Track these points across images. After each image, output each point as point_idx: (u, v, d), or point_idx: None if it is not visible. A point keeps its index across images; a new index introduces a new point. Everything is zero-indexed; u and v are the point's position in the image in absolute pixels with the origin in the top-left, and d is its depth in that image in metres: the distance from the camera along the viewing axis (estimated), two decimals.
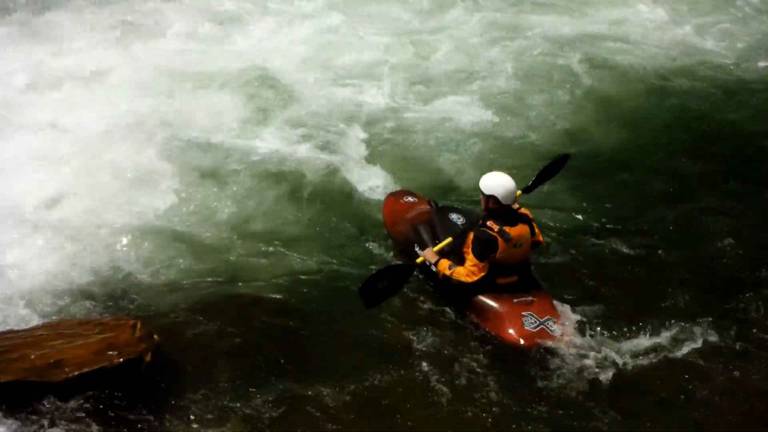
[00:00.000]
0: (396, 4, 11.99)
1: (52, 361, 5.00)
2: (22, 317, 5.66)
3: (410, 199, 7.16)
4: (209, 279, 6.39)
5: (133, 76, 9.39)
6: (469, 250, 6.01)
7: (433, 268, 6.11)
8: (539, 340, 5.82)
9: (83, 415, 4.85)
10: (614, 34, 11.26)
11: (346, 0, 11.89)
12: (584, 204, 7.66)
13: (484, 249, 5.94)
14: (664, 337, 5.81)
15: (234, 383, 5.34)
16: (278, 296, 6.26)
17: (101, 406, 4.93)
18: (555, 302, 6.10)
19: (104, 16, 11.00)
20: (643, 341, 5.79)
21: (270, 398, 5.24)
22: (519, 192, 6.34)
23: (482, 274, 5.96)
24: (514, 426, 5.19)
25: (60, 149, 7.84)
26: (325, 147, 8.26)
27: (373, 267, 6.38)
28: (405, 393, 5.39)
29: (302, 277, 6.50)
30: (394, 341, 5.84)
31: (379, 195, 7.55)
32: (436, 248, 6.20)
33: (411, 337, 5.85)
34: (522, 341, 5.84)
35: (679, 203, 7.65)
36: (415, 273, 6.15)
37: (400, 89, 9.67)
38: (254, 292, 6.30)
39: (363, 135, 8.63)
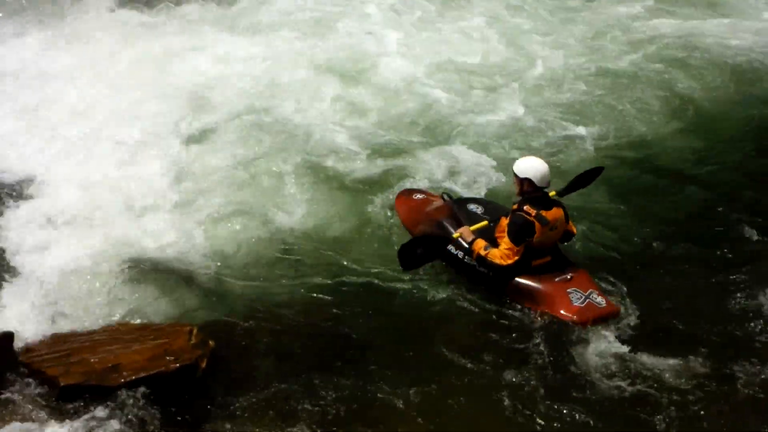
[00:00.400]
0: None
1: (110, 365, 5.11)
2: (82, 321, 5.76)
3: (420, 196, 7.30)
4: (264, 285, 6.42)
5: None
6: (505, 234, 6.17)
7: (467, 246, 6.27)
8: (590, 315, 6.00)
9: (139, 419, 4.93)
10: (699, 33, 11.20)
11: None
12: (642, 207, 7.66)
13: (521, 233, 6.10)
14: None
15: (288, 389, 5.37)
16: (333, 300, 6.27)
17: (157, 411, 5.00)
18: (591, 277, 6.31)
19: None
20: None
21: (325, 402, 5.27)
22: (553, 192, 6.52)
23: (516, 257, 6.11)
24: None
25: (119, 151, 7.99)
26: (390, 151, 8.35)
27: None
28: (459, 385, 5.48)
29: (357, 279, 6.51)
30: (444, 336, 5.94)
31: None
32: (473, 227, 6.37)
33: (458, 329, 6.01)
34: (575, 317, 6.00)
35: (742, 220, 7.37)
36: (449, 249, 6.38)
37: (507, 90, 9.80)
38: (309, 297, 6.32)
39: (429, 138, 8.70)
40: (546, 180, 6.23)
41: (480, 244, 6.22)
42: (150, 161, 7.83)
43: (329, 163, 8.05)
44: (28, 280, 6.18)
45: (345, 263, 6.70)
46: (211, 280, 6.38)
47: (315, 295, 6.34)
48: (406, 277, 6.44)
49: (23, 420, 4.79)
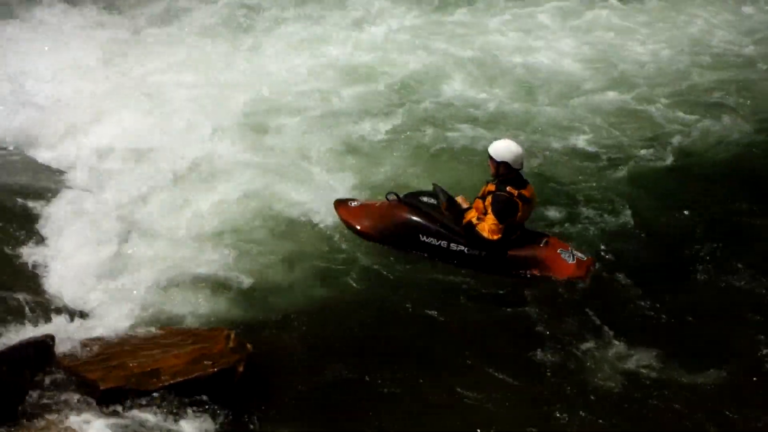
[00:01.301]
0: None
1: (149, 369, 5.13)
2: (121, 325, 5.78)
3: (355, 203, 7.21)
4: (302, 289, 6.45)
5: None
6: (490, 211, 6.52)
7: (459, 210, 6.65)
8: (583, 268, 6.54)
9: (177, 423, 4.93)
10: None
11: None
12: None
13: (506, 211, 6.48)
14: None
15: (325, 394, 5.38)
16: (370, 305, 6.29)
17: (195, 415, 5.01)
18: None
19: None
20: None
21: (363, 407, 5.27)
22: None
23: (501, 234, 6.48)
24: None
25: (166, 156, 8.07)
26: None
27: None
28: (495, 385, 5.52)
29: (394, 284, 6.52)
30: (485, 340, 6.02)
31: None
32: (460, 201, 6.72)
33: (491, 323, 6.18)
34: (575, 273, 6.51)
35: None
36: (431, 242, 6.70)
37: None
38: (347, 300, 6.34)
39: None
40: (520, 162, 6.57)
41: (473, 213, 6.62)
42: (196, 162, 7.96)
43: (379, 171, 8.10)
44: (69, 284, 6.23)
45: (384, 265, 6.70)
46: (248, 285, 6.39)
47: (353, 299, 6.36)
48: (440, 276, 6.59)
49: (63, 423, 4.81)
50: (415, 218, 6.81)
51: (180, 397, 5.05)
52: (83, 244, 6.61)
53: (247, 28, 11.62)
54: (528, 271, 6.57)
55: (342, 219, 7.11)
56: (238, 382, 5.24)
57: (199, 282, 6.30)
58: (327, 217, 7.21)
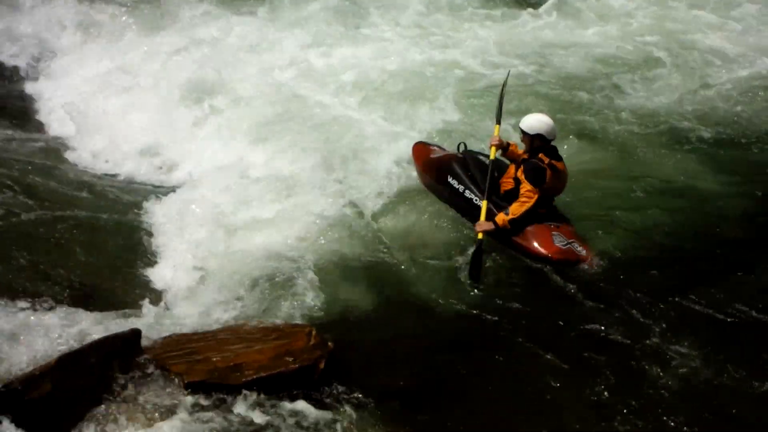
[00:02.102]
0: None
1: (232, 364, 5.18)
2: (206, 320, 5.88)
3: (435, 148, 7.84)
4: (382, 287, 6.44)
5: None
6: (511, 180, 6.83)
7: (495, 230, 6.69)
8: (568, 257, 6.53)
9: (259, 417, 4.96)
10: None
11: None
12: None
13: (538, 176, 6.60)
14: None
15: (405, 393, 5.34)
16: (451, 304, 6.25)
17: (276, 411, 5.02)
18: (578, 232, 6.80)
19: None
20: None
21: (443, 406, 5.22)
22: (497, 126, 7.16)
23: (536, 197, 6.60)
24: None
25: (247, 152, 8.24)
26: None
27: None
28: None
29: (478, 292, 6.45)
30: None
31: None
32: (482, 216, 6.77)
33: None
34: (551, 255, 6.54)
35: None
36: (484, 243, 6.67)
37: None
38: (427, 299, 6.32)
39: None
40: (554, 134, 6.77)
41: (502, 217, 6.67)
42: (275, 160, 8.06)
43: None
44: (155, 280, 6.39)
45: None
46: (330, 282, 6.40)
47: (435, 298, 6.32)
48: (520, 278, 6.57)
49: (149, 414, 4.90)
50: (453, 163, 7.30)
51: (262, 392, 5.08)
52: (170, 243, 6.75)
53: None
54: (515, 241, 6.70)
55: (413, 155, 7.77)
56: (319, 379, 5.25)
57: (281, 278, 6.33)
58: (411, 216, 7.25)
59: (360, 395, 5.23)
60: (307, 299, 6.14)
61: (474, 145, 7.81)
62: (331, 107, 9.15)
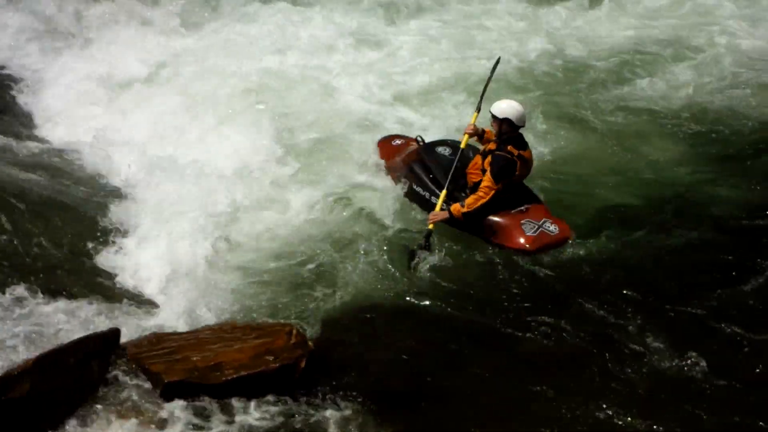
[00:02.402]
0: None
1: (212, 363, 5.16)
2: (186, 319, 5.88)
3: (398, 141, 7.92)
4: (362, 285, 6.41)
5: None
6: (479, 171, 6.88)
7: (449, 219, 6.77)
8: (545, 243, 6.68)
9: (239, 417, 4.96)
10: None
11: None
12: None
13: (504, 171, 6.71)
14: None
15: (385, 393, 5.34)
16: (433, 304, 6.24)
17: (256, 410, 5.03)
18: (547, 207, 6.98)
19: None
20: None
21: (423, 406, 5.24)
22: (476, 114, 7.18)
23: (493, 192, 6.69)
24: None
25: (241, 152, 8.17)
26: None
27: None
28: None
29: (459, 283, 6.47)
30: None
31: None
32: (438, 207, 6.87)
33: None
34: (528, 246, 6.66)
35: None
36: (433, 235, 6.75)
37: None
38: (409, 301, 6.30)
39: None
40: (523, 120, 6.84)
41: (457, 208, 6.74)
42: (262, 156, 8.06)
43: None
44: (135, 279, 6.36)
45: (450, 264, 6.65)
46: (310, 281, 6.42)
47: (416, 298, 6.31)
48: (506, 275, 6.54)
49: (127, 414, 4.89)
50: (416, 168, 7.33)
51: (242, 391, 5.07)
52: (149, 241, 6.71)
53: None
54: (485, 235, 6.80)
55: (380, 156, 7.78)
56: (299, 378, 5.25)
57: (261, 278, 6.36)
58: (393, 215, 7.26)
59: (340, 394, 5.23)
60: (287, 299, 6.14)
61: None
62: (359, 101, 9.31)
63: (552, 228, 6.78)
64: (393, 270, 6.59)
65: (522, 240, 6.68)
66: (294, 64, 10.11)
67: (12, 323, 5.41)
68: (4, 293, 5.71)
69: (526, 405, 5.31)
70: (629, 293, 6.28)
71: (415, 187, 7.27)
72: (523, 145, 6.87)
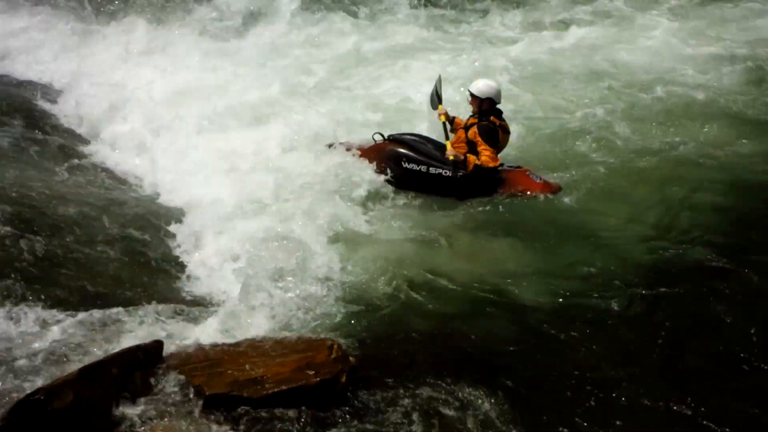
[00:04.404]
0: None
1: (253, 376, 5.15)
2: (228, 333, 5.87)
3: (355, 145, 8.12)
4: (407, 302, 6.38)
5: None
6: (463, 144, 7.60)
7: (462, 160, 7.49)
8: (552, 188, 7.48)
9: (280, 431, 4.93)
10: None
11: None
12: None
13: (491, 135, 7.54)
14: None
15: (425, 409, 5.24)
16: (479, 322, 6.16)
17: (296, 424, 4.99)
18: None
19: None
20: None
21: (467, 423, 5.14)
22: (440, 106, 7.88)
23: (496, 157, 7.53)
24: None
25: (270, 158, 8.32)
26: None
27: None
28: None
29: (499, 297, 6.42)
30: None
31: None
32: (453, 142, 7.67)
33: None
34: (544, 189, 7.45)
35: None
36: (434, 171, 7.59)
37: None
38: (452, 316, 6.23)
39: None
40: (500, 97, 7.73)
41: (473, 158, 7.49)
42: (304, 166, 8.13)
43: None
44: (177, 291, 6.41)
45: (501, 288, 6.58)
46: (353, 296, 6.38)
47: (458, 310, 6.27)
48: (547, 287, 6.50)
49: (168, 427, 4.89)
50: (399, 148, 7.78)
51: (282, 405, 5.04)
52: (193, 253, 6.77)
53: None
54: (505, 189, 7.48)
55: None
56: (340, 393, 5.21)
57: (303, 292, 6.34)
58: (435, 228, 7.27)
59: (380, 411, 5.18)
60: (329, 313, 6.12)
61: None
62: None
63: (546, 178, 7.58)
64: (435, 287, 6.54)
65: (537, 185, 7.45)
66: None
67: (59, 332, 5.48)
68: (48, 303, 5.79)
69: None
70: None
71: (406, 165, 7.67)
72: (501, 117, 7.68)
